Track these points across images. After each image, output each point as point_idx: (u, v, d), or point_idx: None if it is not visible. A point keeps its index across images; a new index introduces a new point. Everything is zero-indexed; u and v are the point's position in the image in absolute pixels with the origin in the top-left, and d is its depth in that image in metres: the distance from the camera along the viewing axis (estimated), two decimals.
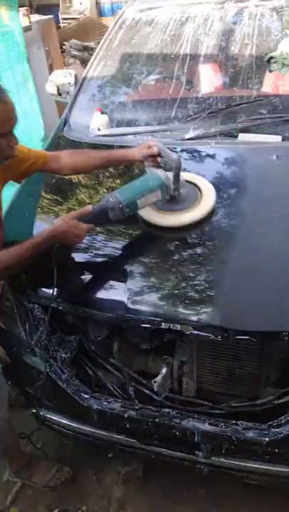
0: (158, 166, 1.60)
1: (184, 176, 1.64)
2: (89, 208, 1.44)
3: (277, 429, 1.35)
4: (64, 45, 8.34)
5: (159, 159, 1.61)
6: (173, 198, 1.58)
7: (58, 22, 10.50)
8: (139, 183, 1.52)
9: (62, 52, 8.30)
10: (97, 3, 10.60)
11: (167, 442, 1.51)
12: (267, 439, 1.34)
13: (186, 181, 1.65)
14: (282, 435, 1.33)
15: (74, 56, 8.01)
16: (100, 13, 10.54)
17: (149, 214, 1.60)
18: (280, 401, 1.40)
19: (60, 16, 10.90)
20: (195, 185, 1.67)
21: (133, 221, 1.58)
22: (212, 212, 1.58)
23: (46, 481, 1.87)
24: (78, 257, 1.59)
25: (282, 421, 1.34)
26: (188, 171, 1.73)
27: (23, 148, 1.49)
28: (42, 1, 11.60)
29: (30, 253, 1.37)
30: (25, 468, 1.90)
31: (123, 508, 1.80)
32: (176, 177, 1.54)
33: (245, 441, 1.37)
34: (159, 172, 1.53)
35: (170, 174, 1.54)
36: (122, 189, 1.52)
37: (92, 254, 1.59)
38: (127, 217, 1.48)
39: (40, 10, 10.45)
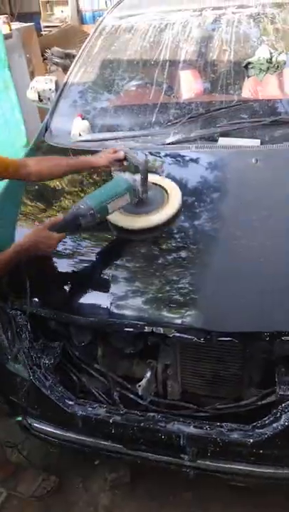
0: (124, 170, 1.64)
1: (151, 178, 1.66)
2: (60, 217, 1.45)
3: (261, 430, 1.35)
4: (46, 52, 8.35)
5: (125, 163, 1.64)
6: (140, 201, 1.60)
7: (39, 29, 10.52)
8: (107, 188, 1.53)
9: (44, 59, 8.30)
10: (79, 11, 10.65)
11: (153, 447, 1.50)
12: (251, 440, 1.35)
13: (153, 183, 1.67)
14: (266, 436, 1.34)
15: (56, 63, 8.03)
16: (82, 20, 10.58)
17: (117, 218, 1.61)
18: (264, 402, 1.41)
19: (42, 24, 10.92)
20: (161, 187, 1.70)
21: (102, 226, 1.59)
22: (179, 213, 1.61)
23: (32, 491, 1.85)
24: (57, 263, 1.58)
25: (266, 421, 1.35)
26: (156, 174, 1.76)
27: None
28: (23, 8, 11.60)
29: (1, 268, 1.37)
30: (11, 477, 1.87)
31: None
32: (144, 179, 1.57)
33: (229, 442, 1.37)
34: (127, 175, 1.56)
35: (137, 177, 1.57)
36: (92, 195, 1.52)
37: (69, 260, 1.59)
38: (97, 223, 1.49)
39: (21, 17, 10.43)
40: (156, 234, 1.58)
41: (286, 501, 1.74)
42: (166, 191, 1.68)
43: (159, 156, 1.89)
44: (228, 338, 1.29)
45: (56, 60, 8.03)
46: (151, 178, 1.68)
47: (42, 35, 9.72)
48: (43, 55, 8.20)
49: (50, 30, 9.75)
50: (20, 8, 11.48)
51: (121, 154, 1.61)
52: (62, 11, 10.92)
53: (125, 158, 1.62)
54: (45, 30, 10.36)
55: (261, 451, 1.37)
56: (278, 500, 1.74)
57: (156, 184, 1.70)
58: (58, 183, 1.87)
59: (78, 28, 9.85)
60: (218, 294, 1.37)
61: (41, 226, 1.44)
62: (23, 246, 1.40)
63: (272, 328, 1.28)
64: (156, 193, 1.66)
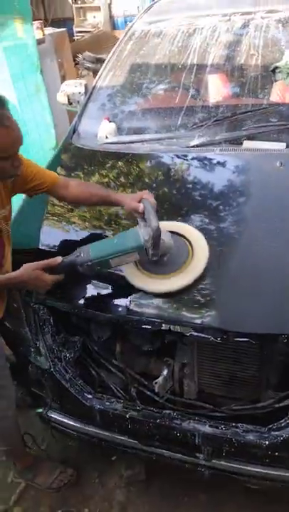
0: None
1: (172, 226, 1.53)
2: (58, 259, 1.39)
3: (277, 432, 1.35)
4: (78, 57, 8.53)
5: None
6: (157, 260, 1.40)
7: (72, 35, 10.74)
8: (116, 241, 1.40)
9: (76, 64, 8.48)
10: (111, 17, 10.82)
11: (168, 444, 1.52)
12: (267, 442, 1.35)
13: (174, 233, 1.51)
14: (281, 438, 1.34)
15: (87, 68, 8.18)
16: (114, 26, 10.75)
17: (131, 273, 1.48)
18: (281, 404, 1.41)
19: (75, 29, 11.15)
20: (184, 237, 1.52)
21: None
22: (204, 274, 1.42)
23: (49, 483, 1.89)
24: None
25: (282, 424, 1.35)
26: (178, 220, 1.61)
27: (32, 168, 1.51)
28: (57, 14, 11.86)
29: None
30: (29, 469, 1.92)
31: (124, 511, 1.81)
32: (156, 245, 1.34)
33: (245, 443, 1.38)
34: (142, 232, 1.36)
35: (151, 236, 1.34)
36: (97, 245, 1.41)
37: None
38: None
39: (55, 23, 10.69)
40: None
41: None
42: (191, 244, 1.50)
43: (184, 159, 1.92)
44: (245, 339, 1.30)
45: (88, 64, 8.18)
46: (173, 225, 1.55)
47: (74, 40, 9.93)
48: (74, 60, 8.38)
49: (83, 36, 9.94)
50: (54, 13, 11.75)
51: (140, 207, 1.45)
52: (94, 17, 11.11)
53: (144, 213, 1.44)
54: (77, 36, 10.57)
55: (277, 454, 1.37)
56: None
57: (178, 234, 1.53)
58: None
59: (110, 34, 10.01)
60: (237, 294, 1.38)
61: (34, 265, 1.38)
62: (12, 280, 1.39)
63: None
64: (179, 248, 1.47)
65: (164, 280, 1.43)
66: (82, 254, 1.38)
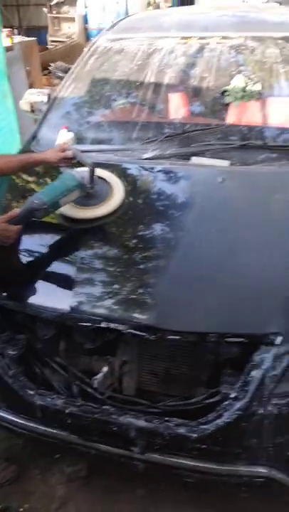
0: (72, 167, 1.83)
1: (98, 172, 1.85)
2: (16, 210, 1.59)
3: (205, 426, 1.45)
4: (50, 66, 8.60)
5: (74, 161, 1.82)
6: (88, 195, 1.80)
7: (46, 44, 10.82)
8: (58, 184, 1.70)
9: (48, 72, 8.56)
10: (86, 29, 10.97)
11: (106, 438, 1.59)
12: (195, 435, 1.45)
13: (99, 178, 1.87)
14: (208, 431, 1.44)
15: (59, 77, 8.27)
16: (88, 37, 10.89)
17: (68, 210, 1.80)
18: (210, 400, 1.52)
19: (49, 38, 11.24)
20: (106, 180, 1.90)
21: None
22: (122, 205, 1.82)
23: None
24: (20, 258, 1.72)
25: (210, 418, 1.45)
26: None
27: None
28: (31, 22, 11.96)
29: None
30: None
31: (64, 505, 1.87)
32: (91, 177, 1.76)
33: (175, 436, 1.47)
34: (75, 173, 1.74)
35: (85, 174, 1.76)
36: (45, 191, 1.69)
37: (31, 255, 1.74)
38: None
39: (29, 31, 10.75)
40: (103, 222, 1.79)
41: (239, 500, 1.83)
42: (111, 186, 1.87)
43: (135, 170, 2.04)
44: (177, 337, 1.41)
45: (59, 74, 8.27)
46: (99, 172, 1.87)
47: (48, 49, 10.01)
48: (47, 69, 8.46)
49: (56, 45, 10.05)
50: (28, 22, 11.86)
51: (69, 153, 1.78)
52: (69, 28, 11.25)
53: (73, 157, 1.80)
54: (51, 45, 10.67)
55: (204, 446, 1.47)
56: (229, 499, 1.84)
57: (102, 178, 1.88)
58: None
59: (83, 45, 10.15)
60: (171, 297, 1.49)
61: None
62: None
63: (217, 329, 1.40)
64: (102, 188, 1.85)
65: (91, 210, 1.80)
66: (35, 201, 1.60)
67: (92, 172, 1.76)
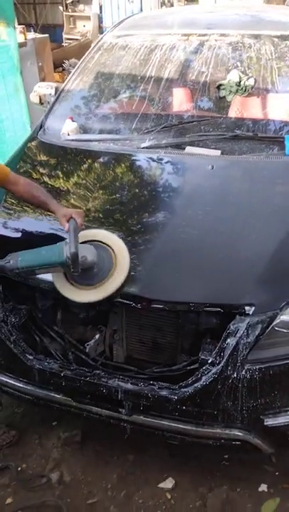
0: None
1: (99, 235, 1.67)
2: None
3: (184, 389, 1.59)
4: (64, 63, 8.79)
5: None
6: (84, 273, 1.55)
7: (61, 41, 11.01)
8: (44, 252, 1.54)
9: (62, 70, 8.75)
10: (100, 27, 11.13)
11: (96, 400, 1.74)
12: (176, 397, 1.59)
13: (101, 242, 1.65)
14: (187, 393, 1.57)
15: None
16: None
17: (61, 285, 1.62)
18: (192, 367, 1.65)
19: (64, 36, 11.42)
20: (109, 246, 1.65)
21: None
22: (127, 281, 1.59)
23: None
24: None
25: (189, 381, 1.59)
26: (103, 229, 1.75)
27: None
28: (47, 20, 12.16)
29: None
30: None
31: (58, 466, 2.02)
32: (75, 265, 1.48)
33: (158, 398, 1.61)
34: (66, 248, 1.50)
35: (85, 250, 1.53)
36: (26, 254, 1.56)
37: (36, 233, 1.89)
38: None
39: (45, 28, 10.96)
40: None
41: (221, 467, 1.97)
42: (114, 252, 1.63)
43: (133, 158, 2.18)
44: (160, 306, 1.55)
45: (73, 70, 8.44)
46: (98, 234, 1.69)
47: (62, 46, 10.20)
48: (61, 66, 8.65)
49: (71, 43, 10.23)
50: (44, 19, 12.06)
51: (66, 227, 1.62)
52: (84, 26, 11.42)
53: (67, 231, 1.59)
54: (66, 42, 10.86)
55: (184, 408, 1.60)
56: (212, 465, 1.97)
57: (101, 242, 1.65)
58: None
59: None
60: (158, 270, 1.63)
61: None
62: None
63: (197, 299, 1.54)
64: (103, 260, 1.60)
65: (89, 291, 1.59)
66: (11, 262, 1.54)
67: (74, 261, 1.48)
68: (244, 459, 1.98)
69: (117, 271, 1.59)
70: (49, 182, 2.11)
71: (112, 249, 1.64)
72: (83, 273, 1.55)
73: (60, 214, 1.68)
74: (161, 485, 1.93)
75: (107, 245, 1.65)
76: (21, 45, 4.12)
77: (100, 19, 11.17)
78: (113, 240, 1.67)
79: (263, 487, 1.91)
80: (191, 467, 2.00)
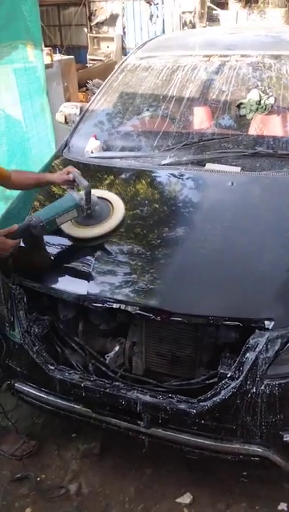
0: (74, 187, 1.94)
1: (98, 193, 1.98)
2: (15, 226, 1.74)
3: (203, 403, 1.60)
4: (88, 83, 9.05)
5: (75, 183, 1.93)
6: (88, 215, 1.89)
7: (85, 62, 11.35)
8: (57, 204, 1.84)
9: (86, 89, 9.00)
10: (123, 48, 11.45)
11: (115, 412, 1.76)
12: (195, 411, 1.60)
13: (100, 197, 1.96)
14: (206, 407, 1.58)
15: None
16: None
17: (69, 228, 1.92)
18: (210, 381, 1.67)
19: (88, 57, 11.77)
20: (108, 200, 2.00)
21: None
22: (122, 223, 1.93)
23: (13, 451, 2.12)
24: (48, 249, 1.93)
25: (208, 395, 1.60)
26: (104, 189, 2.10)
27: None
28: (72, 41, 12.56)
29: None
30: None
31: (77, 477, 2.03)
32: (88, 199, 1.84)
33: (177, 411, 1.62)
34: (74, 194, 1.84)
35: (83, 195, 1.84)
36: (44, 209, 1.84)
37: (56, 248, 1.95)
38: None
39: (70, 50, 11.31)
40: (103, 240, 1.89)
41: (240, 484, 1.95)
42: (112, 204, 1.98)
43: (155, 174, 2.24)
44: (179, 318, 1.58)
45: (96, 90, 8.67)
46: (98, 192, 1.99)
47: (87, 67, 10.50)
48: (85, 86, 8.90)
49: (94, 63, 10.53)
50: (69, 41, 12.47)
51: (70, 177, 1.91)
52: (108, 47, 11.77)
53: (74, 180, 1.90)
54: (90, 63, 11.18)
55: (202, 421, 1.61)
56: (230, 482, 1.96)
57: (103, 198, 1.99)
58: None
59: None
60: (177, 283, 1.67)
61: None
62: None
63: (216, 313, 1.56)
64: (103, 206, 1.95)
65: (94, 228, 1.90)
66: (33, 219, 1.74)
67: (88, 194, 1.83)
68: (263, 476, 1.95)
69: (115, 212, 1.94)
70: None
71: (109, 201, 2.00)
72: (88, 217, 1.89)
73: (57, 175, 1.95)
74: (178, 500, 1.93)
75: (105, 199, 2.01)
76: (48, 67, 4.28)
77: (123, 40, 11.50)
78: (109, 194, 2.04)
79: (283, 506, 1.88)
80: (210, 482, 1.98)
